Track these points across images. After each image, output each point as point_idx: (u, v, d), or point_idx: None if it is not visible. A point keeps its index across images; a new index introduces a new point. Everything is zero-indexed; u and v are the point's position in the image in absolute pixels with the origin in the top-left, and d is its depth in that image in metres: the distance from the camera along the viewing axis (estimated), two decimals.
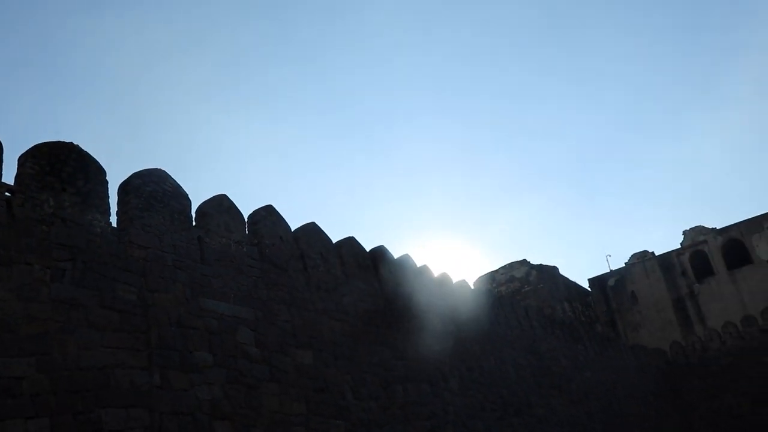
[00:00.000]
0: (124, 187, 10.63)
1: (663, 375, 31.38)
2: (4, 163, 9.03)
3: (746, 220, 39.43)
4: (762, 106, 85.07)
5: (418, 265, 17.19)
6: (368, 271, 15.17)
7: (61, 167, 9.63)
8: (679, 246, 41.22)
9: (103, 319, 9.15)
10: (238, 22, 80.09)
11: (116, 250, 9.83)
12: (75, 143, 10.01)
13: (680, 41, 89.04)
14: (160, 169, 11.16)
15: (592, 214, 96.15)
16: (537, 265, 35.49)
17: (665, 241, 79.04)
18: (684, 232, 41.40)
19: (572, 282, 39.20)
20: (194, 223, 11.43)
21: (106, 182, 10.18)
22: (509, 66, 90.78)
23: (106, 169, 10.24)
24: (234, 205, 12.27)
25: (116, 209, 10.43)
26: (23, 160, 9.31)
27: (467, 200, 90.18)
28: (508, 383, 18.42)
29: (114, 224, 10.19)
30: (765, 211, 38.98)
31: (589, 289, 42.29)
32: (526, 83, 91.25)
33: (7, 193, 8.92)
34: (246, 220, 12.52)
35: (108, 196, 10.13)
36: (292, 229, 13.55)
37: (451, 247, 77.44)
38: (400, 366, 14.32)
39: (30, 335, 8.38)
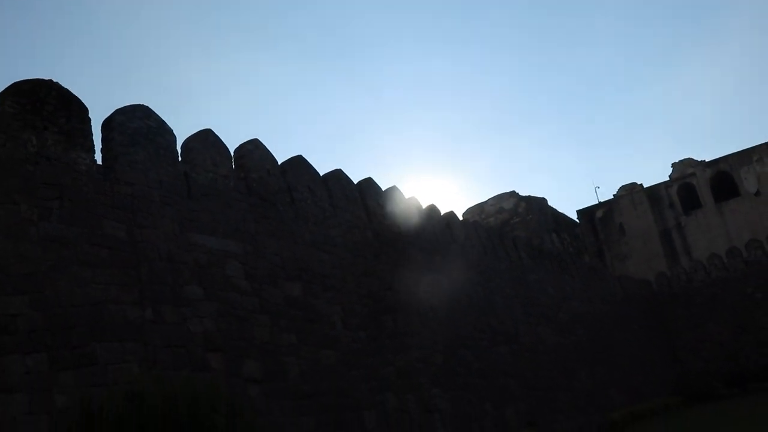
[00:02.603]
0: (108, 124, 10.55)
1: (648, 305, 32.09)
2: None
3: (736, 153, 39.47)
4: (757, 39, 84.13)
5: (406, 197, 17.27)
6: (356, 204, 15.26)
7: (41, 105, 9.53)
8: (668, 178, 41.41)
9: (92, 256, 9.23)
10: None
11: (102, 187, 9.84)
12: (54, 80, 9.88)
13: None
14: (143, 105, 11.05)
15: (581, 146, 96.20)
16: (526, 196, 35.67)
17: (654, 173, 79.47)
18: (673, 165, 41.52)
19: (561, 213, 39.49)
20: (180, 159, 11.40)
21: (89, 119, 10.09)
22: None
23: (87, 107, 10.15)
24: (219, 139, 12.22)
25: (100, 146, 10.38)
26: (2, 99, 9.19)
27: (457, 133, 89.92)
28: (497, 313, 18.82)
29: (99, 162, 10.16)
30: (755, 144, 39.03)
31: (577, 220, 42.68)
32: (518, 17, 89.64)
33: None
34: (232, 154, 12.49)
35: (91, 134, 10.06)
36: (279, 163, 13.55)
37: (440, 179, 77.81)
38: (389, 297, 14.58)
39: (21, 274, 8.48)
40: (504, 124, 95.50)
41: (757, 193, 38.18)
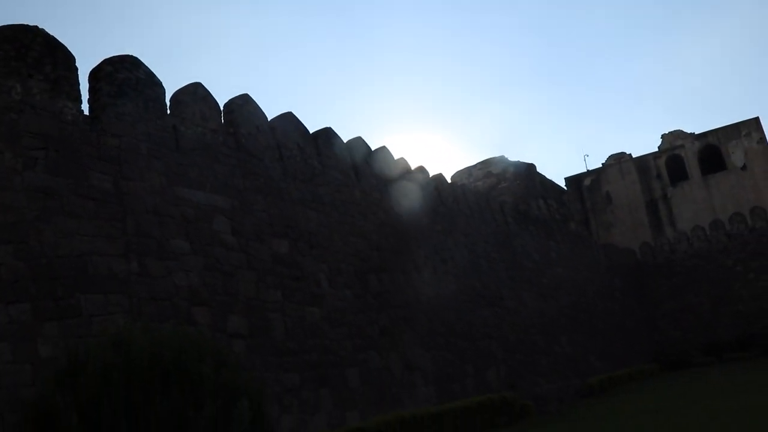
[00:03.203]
0: (95, 74, 10.37)
1: (632, 274, 32.46)
2: None
3: (725, 127, 39.60)
4: (753, 12, 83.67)
5: (396, 158, 17.22)
6: (345, 163, 15.19)
7: (26, 52, 9.34)
8: (657, 149, 41.52)
9: (78, 207, 9.16)
10: None
11: (89, 138, 9.72)
12: (40, 27, 9.66)
13: None
14: (132, 56, 10.86)
15: (572, 113, 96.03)
16: (514, 161, 35.62)
17: (643, 143, 79.63)
18: (662, 136, 41.60)
19: (549, 180, 39.52)
20: (168, 112, 11.26)
21: (76, 68, 9.91)
22: None
23: (74, 55, 9.94)
24: (209, 93, 12.06)
25: (87, 97, 10.22)
26: None
27: (449, 95, 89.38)
28: (481, 276, 18.96)
29: (86, 112, 10.01)
30: (744, 118, 39.14)
31: (565, 187, 42.78)
32: None
33: None
34: (222, 108, 12.36)
35: (78, 83, 9.89)
36: (269, 119, 13.42)
37: (430, 141, 77.68)
38: (374, 256, 14.64)
39: (5, 223, 8.41)
40: (495, 89, 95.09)
41: (744, 168, 38.41)
